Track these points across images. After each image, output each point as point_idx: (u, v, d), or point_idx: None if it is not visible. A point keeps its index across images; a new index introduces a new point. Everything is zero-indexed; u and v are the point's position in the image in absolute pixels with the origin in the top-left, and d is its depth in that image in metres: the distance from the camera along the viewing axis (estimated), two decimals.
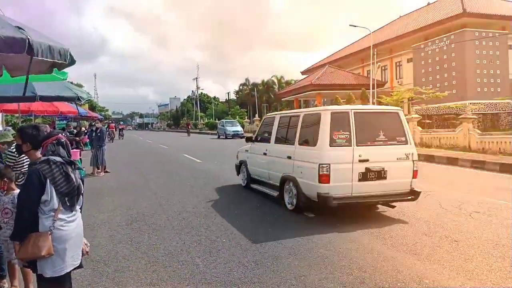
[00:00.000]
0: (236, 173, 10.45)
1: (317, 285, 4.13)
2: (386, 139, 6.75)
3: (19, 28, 3.03)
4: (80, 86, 52.22)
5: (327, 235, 5.78)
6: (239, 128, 36.96)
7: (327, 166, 6.35)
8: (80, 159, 13.29)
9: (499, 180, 10.67)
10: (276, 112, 9.44)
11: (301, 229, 6.07)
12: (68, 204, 3.04)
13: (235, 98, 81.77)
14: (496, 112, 29.77)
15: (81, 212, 3.24)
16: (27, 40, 2.95)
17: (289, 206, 7.32)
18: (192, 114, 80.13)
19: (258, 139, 9.30)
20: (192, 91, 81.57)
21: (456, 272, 4.37)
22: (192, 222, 6.66)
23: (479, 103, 30.34)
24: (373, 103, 27.81)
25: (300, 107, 51.73)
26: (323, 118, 6.66)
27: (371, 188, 6.61)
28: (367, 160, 6.52)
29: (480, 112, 28.36)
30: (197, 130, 61.09)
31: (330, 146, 6.44)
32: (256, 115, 49.77)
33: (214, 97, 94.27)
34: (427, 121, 26.19)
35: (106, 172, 13.20)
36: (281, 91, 56.27)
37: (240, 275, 4.44)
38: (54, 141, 3.13)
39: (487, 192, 8.76)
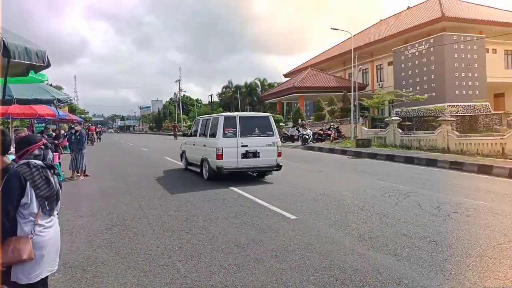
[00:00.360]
0: (180, 160, 14.61)
1: (298, 287, 4.14)
2: (260, 133, 10.86)
3: None
4: (59, 88, 51.27)
5: (308, 237, 5.80)
6: None
7: (221, 149, 10.38)
8: (59, 162, 13.05)
9: (477, 181, 10.92)
10: (200, 116, 13.66)
11: (283, 232, 6.08)
12: (48, 208, 2.98)
13: (218, 100, 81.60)
14: (474, 114, 30.48)
15: (57, 217, 3.18)
16: (2, 42, 2.89)
17: (205, 177, 11.39)
18: (174, 116, 79.54)
19: (190, 134, 13.52)
20: (175, 93, 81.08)
21: (435, 272, 4.44)
22: (174, 226, 6.60)
23: (458, 105, 31.05)
24: (355, 106, 28.13)
25: (283, 109, 52.05)
26: (220, 120, 10.76)
27: (250, 163, 10.73)
28: (246, 146, 10.62)
29: (458, 114, 29.00)
30: (180, 133, 60.59)
31: (223, 137, 10.48)
32: None
33: (197, 100, 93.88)
34: (407, 123, 26.64)
35: (86, 175, 12.97)
36: (264, 93, 56.40)
37: (222, 278, 4.41)
38: (42, 146, 3.06)
39: (465, 193, 8.94)
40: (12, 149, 4.10)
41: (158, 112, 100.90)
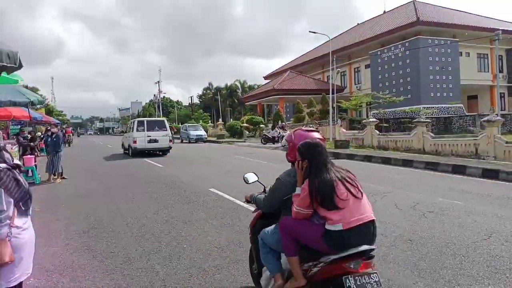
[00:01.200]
0: (121, 148, 24.46)
1: None
2: (158, 129, 20.67)
3: None
4: (36, 90, 50.07)
5: None
6: (202, 132, 36.60)
7: (135, 139, 20.19)
8: (35, 165, 12.77)
9: (451, 180, 11.21)
10: (132, 119, 24.16)
11: None
12: (24, 208, 2.93)
13: (199, 102, 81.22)
14: (449, 116, 31.27)
15: (32, 219, 3.12)
16: None
17: (130, 154, 20.88)
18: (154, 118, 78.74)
19: (126, 131, 24.58)
20: (154, 95, 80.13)
21: (410, 271, 4.55)
22: (153, 228, 6.55)
23: (433, 107, 31.81)
24: (333, 107, 28.45)
25: (263, 111, 52.19)
26: (134, 122, 21.83)
27: (153, 145, 20.49)
28: (150, 136, 20.30)
29: (433, 116, 29.70)
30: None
31: (137, 132, 20.40)
32: (220, 119, 49.63)
33: (177, 101, 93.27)
34: (384, 124, 27.13)
35: (63, 178, 12.71)
36: (244, 95, 56.46)
37: (201, 280, 4.41)
38: None
39: (440, 193, 9.17)
40: None
41: (137, 114, 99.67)
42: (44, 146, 17.10)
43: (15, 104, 7.99)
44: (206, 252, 5.34)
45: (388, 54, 34.91)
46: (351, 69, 43.21)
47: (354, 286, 2.65)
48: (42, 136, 20.63)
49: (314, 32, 29.42)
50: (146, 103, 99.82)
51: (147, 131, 20.38)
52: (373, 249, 2.83)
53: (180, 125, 51.95)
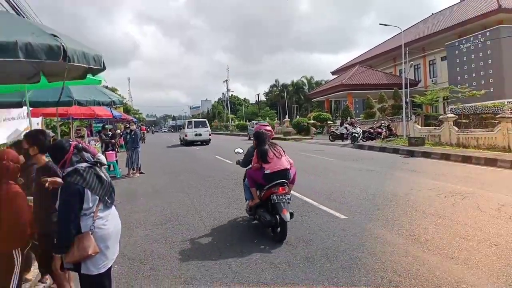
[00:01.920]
0: (179, 142, 33.19)
1: (350, 287, 4.10)
2: (202, 126, 30.92)
3: (54, 35, 3.13)
4: (114, 90, 53.73)
5: (360, 237, 5.71)
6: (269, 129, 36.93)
7: (186, 134, 30.21)
8: (116, 160, 13.74)
9: None
10: (185, 120, 43.35)
11: (333, 231, 6.03)
12: (109, 201, 3.16)
13: (265, 99, 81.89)
14: None
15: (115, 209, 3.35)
16: (62, 47, 3.05)
17: (183, 144, 30.99)
18: (223, 116, 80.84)
19: (181, 128, 38.46)
20: (223, 93, 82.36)
21: (496, 277, 4.22)
22: (224, 223, 6.75)
23: None
24: (406, 103, 27.14)
25: (331, 107, 51.29)
26: (186, 122, 34.03)
27: (198, 138, 30.11)
28: (196, 131, 30.24)
29: None
30: (228, 132, 61.62)
31: (188, 128, 30.52)
32: (286, 116, 49.61)
33: (244, 99, 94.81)
34: (464, 120, 25.31)
35: (141, 173, 13.55)
36: (311, 91, 55.87)
37: (272, 276, 4.46)
38: (74, 151, 3.14)
39: None
40: None
41: (207, 112, 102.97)
42: (123, 143, 18.32)
43: (98, 103, 8.59)
44: (277, 248, 5.38)
45: (466, 45, 32.49)
46: (425, 62, 40.90)
47: (276, 199, 5.65)
48: (121, 133, 22.10)
49: (385, 25, 28.26)
50: (215, 102, 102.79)
51: (194, 128, 30.55)
52: (285, 182, 5.85)
53: (247, 123, 52.78)
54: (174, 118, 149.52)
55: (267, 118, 57.28)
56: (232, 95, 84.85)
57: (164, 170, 14.64)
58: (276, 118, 60.82)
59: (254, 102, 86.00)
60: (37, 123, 11.00)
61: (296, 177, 6.34)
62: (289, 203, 5.68)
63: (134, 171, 13.33)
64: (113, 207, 3.28)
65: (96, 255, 3.03)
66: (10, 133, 9.81)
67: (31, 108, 7.15)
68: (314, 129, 37.65)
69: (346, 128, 27.92)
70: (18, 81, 4.76)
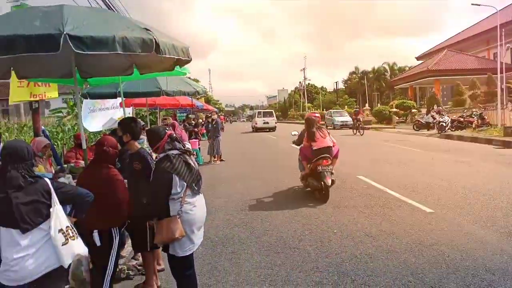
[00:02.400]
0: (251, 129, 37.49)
1: (437, 285, 3.88)
2: (269, 116, 36.82)
3: (147, 29, 3.34)
4: (197, 81, 56.04)
5: (448, 232, 5.37)
6: (347, 118, 35.79)
7: (256, 122, 36.34)
8: (199, 148, 14.40)
9: None
10: (254, 111, 55.01)
11: (418, 225, 5.73)
12: (196, 188, 3.33)
13: (344, 87, 79.80)
14: None
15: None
16: (154, 40, 3.24)
17: (253, 130, 36.78)
18: (299, 105, 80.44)
19: (251, 117, 55.33)
20: (300, 82, 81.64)
21: None
22: (302, 211, 6.75)
23: None
24: (502, 89, 24.67)
25: (415, 95, 48.47)
26: (256, 112, 43.17)
27: (265, 125, 35.35)
28: (264, 120, 35.84)
29: None
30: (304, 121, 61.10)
31: (257, 118, 36.65)
32: (366, 104, 47.95)
33: (322, 87, 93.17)
34: None
35: (222, 160, 14.05)
36: (393, 78, 53.24)
37: (353, 266, 4.38)
38: (168, 139, 3.35)
39: None
40: (143, 136, 4.60)
41: (284, 101, 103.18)
42: (205, 132, 19.09)
43: (184, 93, 9.05)
44: (357, 239, 5.26)
45: None
46: None
47: (321, 169, 7.20)
48: (203, 122, 23.04)
49: (478, 5, 25.79)
50: (291, 91, 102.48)
51: (263, 117, 36.36)
52: (328, 156, 7.34)
53: (324, 111, 51.96)
54: (251, 108, 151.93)
55: (346, 106, 55.77)
56: (309, 83, 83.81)
57: (243, 157, 15.03)
58: (355, 106, 59.04)
59: (332, 90, 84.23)
60: (128, 112, 11.87)
61: (338, 154, 8.02)
62: (332, 173, 7.36)
63: (215, 159, 13.86)
64: (201, 195, 3.45)
65: (183, 239, 3.22)
66: (105, 122, 10.74)
67: (124, 99, 7.72)
68: (397, 118, 35.89)
69: (432, 116, 26.16)
70: (114, 73, 5.16)
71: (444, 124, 23.08)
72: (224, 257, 4.85)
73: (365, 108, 43.81)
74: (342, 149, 8.88)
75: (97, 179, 3.26)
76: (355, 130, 26.07)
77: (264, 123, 35.49)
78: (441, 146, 16.66)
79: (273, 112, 40.27)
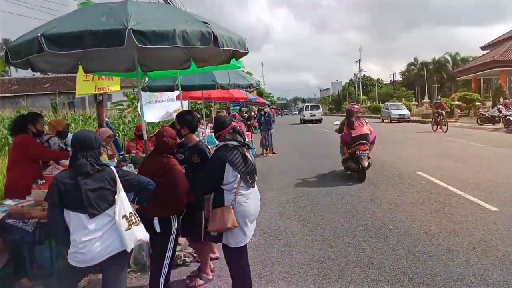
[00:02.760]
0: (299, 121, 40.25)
1: (502, 287, 3.65)
2: (316, 109, 40.71)
3: (205, 22, 3.40)
4: (249, 74, 56.43)
5: None
6: (405, 111, 34.40)
7: (304, 115, 39.97)
8: (251, 141, 14.53)
9: None
10: (303, 104, 61.32)
11: (482, 224, 5.41)
12: (250, 181, 3.36)
13: (401, 79, 76.77)
14: None
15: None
16: (212, 33, 3.30)
17: (301, 122, 39.78)
18: (354, 97, 78.55)
19: (300, 110, 50.99)
20: (354, 73, 79.70)
21: None
22: (357, 206, 6.62)
23: None
24: None
25: (479, 87, 45.60)
26: (304, 106, 47.39)
27: (312, 118, 38.67)
28: (311, 113, 39.25)
29: None
30: (359, 114, 59.57)
31: (305, 111, 40.51)
32: (425, 97, 45.77)
33: (378, 79, 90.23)
34: None
35: (273, 153, 14.10)
36: (456, 69, 50.36)
37: (410, 264, 4.24)
38: (230, 130, 3.44)
39: None
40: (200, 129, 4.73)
41: (337, 94, 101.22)
42: (257, 125, 19.23)
43: (238, 86, 9.16)
44: (415, 236, 5.07)
45: None
46: None
47: (358, 153, 8.32)
48: (255, 115, 23.21)
49: None
50: (346, 83, 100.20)
51: (310, 110, 39.84)
52: (365, 142, 8.37)
53: (380, 104, 50.28)
54: (303, 101, 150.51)
55: (403, 99, 53.61)
56: (364, 75, 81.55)
57: (294, 150, 14.96)
58: (413, 99, 56.59)
59: (389, 82, 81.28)
60: (185, 105, 12.23)
61: (375, 140, 9.09)
62: (369, 157, 8.53)
63: (267, 151, 13.93)
64: (255, 188, 3.48)
65: (235, 230, 3.27)
66: (161, 114, 11.13)
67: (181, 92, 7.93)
68: (459, 111, 33.99)
69: (498, 110, 24.45)
70: (172, 67, 5.33)
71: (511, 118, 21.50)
72: (276, 249, 4.88)
73: (423, 100, 41.90)
74: (399, 144, 8.58)
75: (157, 168, 3.39)
76: (435, 126, 21.54)
77: (311, 115, 38.93)
78: (507, 141, 15.55)
79: (320, 105, 45.82)
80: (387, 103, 41.55)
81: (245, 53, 4.20)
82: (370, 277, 4.00)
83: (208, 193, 3.43)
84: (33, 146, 4.52)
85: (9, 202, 3.85)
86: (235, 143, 3.35)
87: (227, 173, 3.26)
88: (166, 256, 3.44)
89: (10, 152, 4.73)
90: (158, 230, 3.34)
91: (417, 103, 47.93)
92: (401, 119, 32.86)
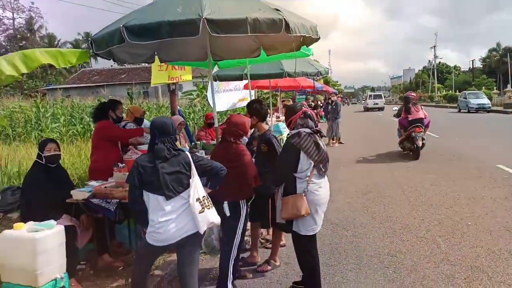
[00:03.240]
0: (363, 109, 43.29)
1: None
2: (378, 98, 44.36)
3: (277, 10, 3.38)
4: (316, 62, 55.49)
5: None
6: (485, 101, 31.67)
7: (367, 103, 44.02)
8: None
9: None
10: (371, 93, 56.78)
11: None
12: (323, 170, 3.33)
13: (481, 66, 71.14)
14: None
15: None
16: (283, 20, 3.27)
17: (364, 110, 42.46)
18: (427, 85, 74.23)
19: (364, 100, 56.16)
20: (429, 60, 75.23)
21: None
22: (431, 199, 6.29)
23: None
24: None
25: None
26: (368, 95, 52.61)
27: (375, 106, 42.01)
28: (374, 101, 42.99)
29: None
30: (433, 103, 56.32)
31: (368, 100, 44.83)
32: (508, 85, 42.02)
33: (455, 66, 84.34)
34: None
35: (340, 143, 13.81)
36: None
37: (490, 263, 3.97)
38: (301, 115, 3.41)
39: None
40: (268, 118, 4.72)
41: (409, 82, 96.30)
42: (323, 114, 18.94)
43: (306, 74, 9.03)
44: (496, 233, 4.73)
45: None
46: None
47: (414, 135, 9.79)
48: (321, 104, 22.85)
49: None
50: (419, 70, 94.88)
51: (373, 99, 43.25)
52: (420, 125, 9.81)
53: (457, 93, 47.02)
54: (372, 89, 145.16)
55: (483, 88, 49.64)
56: (439, 62, 76.60)
57: (362, 139, 14.51)
58: (494, 88, 52.19)
59: (467, 69, 75.67)
60: (252, 95, 12.37)
61: (430, 124, 10.64)
62: (423, 138, 9.83)
63: (334, 141, 13.67)
64: (326, 177, 3.45)
65: (306, 218, 3.27)
66: (228, 103, 11.36)
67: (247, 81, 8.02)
68: None
69: None
70: (242, 56, 5.39)
71: None
72: (345, 240, 4.80)
73: (506, 89, 38.50)
74: (478, 135, 7.93)
75: (227, 154, 3.48)
76: None
77: (374, 104, 42.33)
78: None
79: (382, 95, 49.21)
80: (465, 91, 38.63)
81: (316, 39, 4.12)
82: (445, 273, 3.81)
83: (280, 184, 3.40)
84: (112, 129, 4.84)
85: (93, 183, 4.16)
86: (307, 130, 3.34)
87: (302, 161, 3.26)
88: (235, 239, 3.53)
89: (93, 137, 5.10)
90: (227, 213, 3.43)
91: (498, 92, 44.21)
92: (481, 109, 30.35)
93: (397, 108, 11.24)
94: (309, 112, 3.48)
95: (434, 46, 67.44)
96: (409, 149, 10.08)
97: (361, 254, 4.36)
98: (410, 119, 9.99)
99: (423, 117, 10.07)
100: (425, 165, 9.07)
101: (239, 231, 3.56)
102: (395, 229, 5.04)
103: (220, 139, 4.01)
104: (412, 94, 11.24)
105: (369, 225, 5.26)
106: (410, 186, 7.18)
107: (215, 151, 3.78)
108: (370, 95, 47.62)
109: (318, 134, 3.41)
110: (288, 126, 3.55)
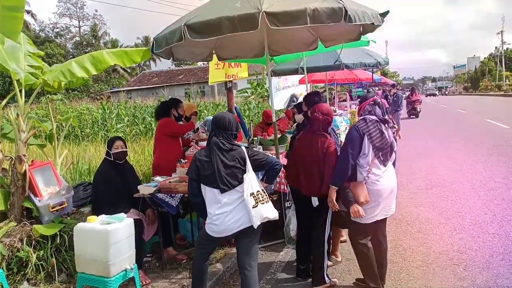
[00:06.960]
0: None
1: None
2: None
3: None
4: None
5: None
6: None
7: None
8: None
9: None
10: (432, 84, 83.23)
11: None
12: (382, 158, 3.24)
13: None
14: None
15: (394, 167, 3.40)
16: (343, 9, 3.19)
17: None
18: (494, 73, 69.24)
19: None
20: (496, 47, 70.09)
21: None
22: (503, 194, 5.88)
23: None
24: None
25: None
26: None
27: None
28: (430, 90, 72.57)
29: None
30: (501, 92, 52.37)
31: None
32: None
33: None
34: None
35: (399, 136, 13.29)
36: None
37: None
38: (371, 102, 3.36)
39: None
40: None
41: (474, 71, 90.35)
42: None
43: (364, 65, 8.66)
44: None
45: None
46: None
47: (415, 106, 20.76)
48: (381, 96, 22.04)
49: None
50: (485, 58, 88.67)
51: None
52: (418, 101, 20.44)
53: None
54: (433, 80, 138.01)
55: None
56: (507, 48, 71.09)
57: (423, 131, 13.84)
58: None
59: None
60: (308, 89, 12.27)
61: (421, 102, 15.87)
62: (420, 109, 15.77)
63: (395, 134, 13.19)
64: (391, 167, 3.34)
65: (366, 207, 3.20)
66: (286, 100, 11.31)
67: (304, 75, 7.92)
68: None
69: None
70: (299, 49, 5.34)
71: None
72: (409, 236, 4.62)
73: None
74: None
75: (317, 149, 3.41)
76: None
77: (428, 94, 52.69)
78: None
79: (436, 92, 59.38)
80: None
81: (377, 26, 3.95)
82: None
83: (346, 177, 3.24)
84: (171, 124, 5.01)
85: (158, 178, 4.34)
86: (374, 117, 3.28)
87: (364, 146, 3.22)
88: (327, 229, 3.54)
89: (156, 134, 5.30)
90: (315, 203, 3.43)
91: None
92: None
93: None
94: (379, 101, 3.41)
95: (501, 32, 62.82)
96: (413, 114, 19.88)
97: (427, 250, 4.18)
98: (413, 99, 20.22)
99: (419, 98, 20.40)
100: (494, 158, 8.48)
101: (328, 223, 3.57)
102: (464, 225, 4.76)
103: (303, 130, 3.84)
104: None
105: (435, 221, 5.02)
106: (479, 180, 6.74)
107: (299, 142, 3.69)
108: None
109: (385, 124, 3.32)
110: (358, 112, 3.51)
